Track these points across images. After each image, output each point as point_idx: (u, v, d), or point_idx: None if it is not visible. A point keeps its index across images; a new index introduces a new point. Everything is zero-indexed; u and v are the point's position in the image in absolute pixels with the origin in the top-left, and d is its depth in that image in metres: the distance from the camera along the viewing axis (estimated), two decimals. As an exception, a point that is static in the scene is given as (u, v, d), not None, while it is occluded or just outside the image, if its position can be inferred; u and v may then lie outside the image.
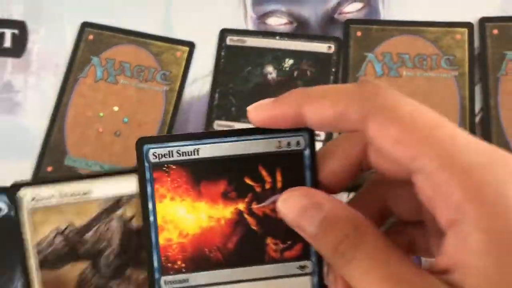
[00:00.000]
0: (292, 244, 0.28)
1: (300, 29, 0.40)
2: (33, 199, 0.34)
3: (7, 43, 0.41)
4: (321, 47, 0.39)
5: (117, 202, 0.35)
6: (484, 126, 0.37)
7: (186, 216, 0.28)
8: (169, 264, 0.28)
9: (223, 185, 0.27)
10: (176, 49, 0.41)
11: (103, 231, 0.36)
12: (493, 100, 0.37)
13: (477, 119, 0.37)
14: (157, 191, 0.28)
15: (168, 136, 0.28)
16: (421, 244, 0.24)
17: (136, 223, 0.36)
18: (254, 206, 0.27)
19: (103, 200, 0.35)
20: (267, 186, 0.27)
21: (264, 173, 0.27)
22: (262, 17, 0.41)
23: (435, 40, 0.38)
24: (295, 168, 0.27)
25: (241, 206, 0.27)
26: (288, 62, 0.39)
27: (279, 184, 0.27)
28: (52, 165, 0.38)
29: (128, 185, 0.34)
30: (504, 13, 0.39)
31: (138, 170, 0.27)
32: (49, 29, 0.42)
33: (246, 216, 0.28)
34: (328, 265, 0.25)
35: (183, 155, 0.27)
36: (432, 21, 0.39)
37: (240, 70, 0.39)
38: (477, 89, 0.38)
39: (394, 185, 0.23)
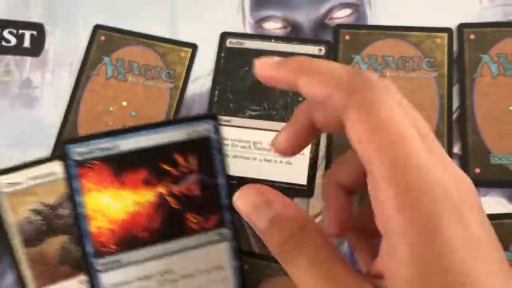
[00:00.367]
0: (209, 216, 0.31)
1: (294, 33, 0.43)
2: (7, 185, 0.37)
3: (27, 43, 0.44)
4: (313, 50, 0.42)
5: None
6: (460, 123, 0.39)
7: (112, 205, 0.30)
8: (102, 248, 0.30)
9: (144, 173, 0.30)
10: (180, 50, 0.43)
11: (74, 206, 0.38)
12: (469, 99, 0.39)
13: (454, 116, 0.40)
14: (84, 186, 0.29)
15: (88, 136, 0.30)
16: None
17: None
18: (173, 188, 0.30)
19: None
20: (183, 169, 0.30)
21: (178, 158, 0.30)
22: (259, 21, 0.44)
23: (417, 43, 0.41)
24: (205, 151, 0.31)
25: (162, 189, 0.30)
26: (282, 63, 0.42)
27: (193, 167, 0.31)
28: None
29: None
30: (481, 19, 0.41)
31: (64, 168, 0.29)
32: (65, 31, 0.45)
33: (166, 197, 0.30)
34: None
35: (103, 151, 0.30)
36: (415, 26, 0.41)
37: (238, 70, 0.42)
38: (455, 89, 0.40)
39: None
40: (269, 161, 0.39)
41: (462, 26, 0.41)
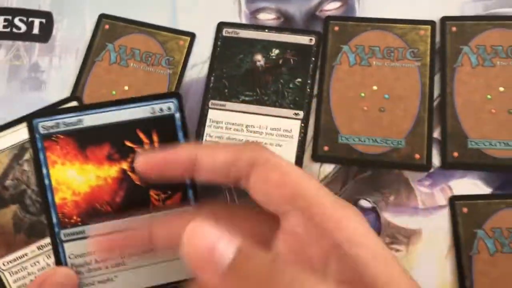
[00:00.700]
0: (172, 193, 0.31)
1: (286, 24, 0.45)
2: None
3: (36, 30, 0.47)
4: (304, 39, 0.44)
5: (22, 148, 0.38)
6: (440, 110, 0.41)
7: (76, 178, 0.30)
8: (66, 219, 0.30)
9: (107, 149, 0.30)
10: (179, 39, 0.45)
11: (19, 176, 0.38)
12: (449, 88, 0.42)
13: (435, 103, 0.42)
14: (49, 158, 0.30)
15: (54, 110, 0.31)
16: None
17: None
18: (136, 164, 0.29)
19: (9, 149, 0.38)
20: (146, 146, 0.31)
21: (142, 135, 0.30)
22: (254, 12, 0.46)
23: (402, 35, 0.43)
24: (169, 129, 0.31)
25: (125, 165, 0.30)
26: (275, 51, 0.44)
27: (156, 144, 0.31)
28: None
29: (24, 130, 0.36)
30: (462, 13, 0.44)
31: (30, 141, 0.30)
32: (72, 19, 0.47)
33: (129, 173, 0.30)
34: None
35: (69, 126, 0.30)
36: (400, 19, 0.44)
37: (233, 57, 0.44)
38: (436, 78, 0.42)
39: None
40: (260, 143, 0.42)
41: (444, 19, 0.44)
